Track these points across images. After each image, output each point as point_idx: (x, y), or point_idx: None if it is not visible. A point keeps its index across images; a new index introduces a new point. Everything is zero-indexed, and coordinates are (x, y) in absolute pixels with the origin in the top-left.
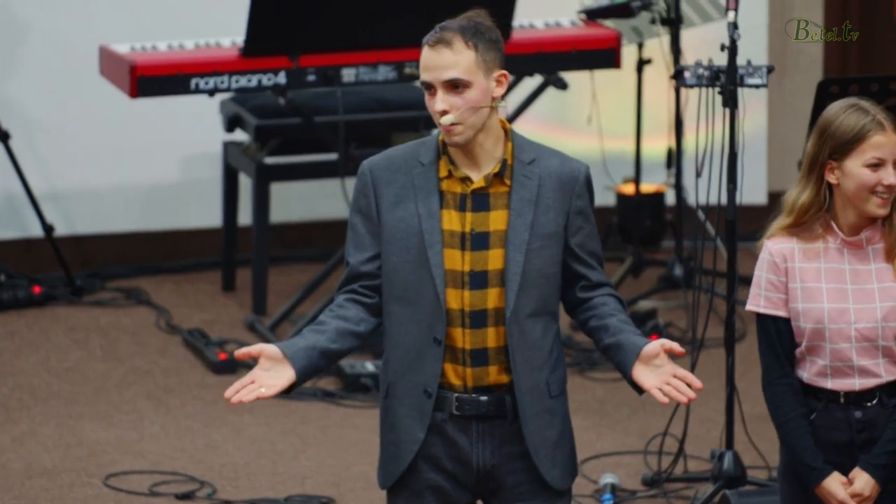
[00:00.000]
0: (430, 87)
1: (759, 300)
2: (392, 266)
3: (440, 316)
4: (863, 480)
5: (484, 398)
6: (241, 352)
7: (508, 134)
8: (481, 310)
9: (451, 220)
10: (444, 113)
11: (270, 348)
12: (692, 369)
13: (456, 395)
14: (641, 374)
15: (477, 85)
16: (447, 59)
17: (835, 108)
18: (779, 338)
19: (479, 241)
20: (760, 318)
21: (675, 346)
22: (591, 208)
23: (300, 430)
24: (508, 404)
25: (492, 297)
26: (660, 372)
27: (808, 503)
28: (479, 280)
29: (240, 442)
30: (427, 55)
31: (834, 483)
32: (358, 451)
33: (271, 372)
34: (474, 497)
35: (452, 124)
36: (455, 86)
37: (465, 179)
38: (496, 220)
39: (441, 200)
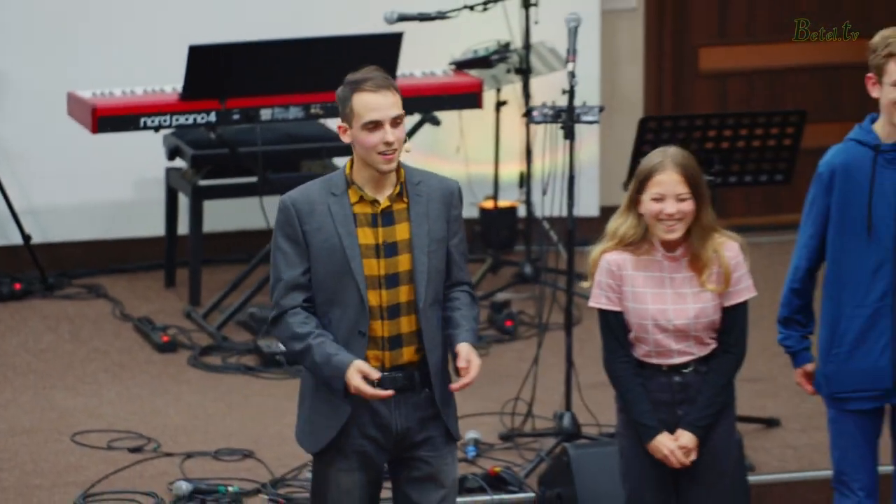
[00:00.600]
0: (377, 124)
1: (600, 299)
2: (321, 277)
3: (364, 313)
4: (686, 437)
5: (399, 375)
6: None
7: (400, 164)
8: (396, 304)
9: (366, 236)
10: (390, 144)
11: (365, 368)
12: (538, 348)
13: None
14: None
15: (403, 121)
16: (391, 99)
17: (648, 154)
18: (616, 327)
19: (390, 249)
20: (602, 312)
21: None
22: (461, 216)
23: (226, 398)
24: (417, 378)
25: (403, 293)
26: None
27: (645, 456)
28: (392, 280)
29: (179, 407)
30: (373, 98)
31: (664, 438)
32: (273, 415)
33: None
34: (390, 457)
35: (393, 152)
36: (397, 122)
37: (374, 202)
38: (401, 231)
39: (355, 221)
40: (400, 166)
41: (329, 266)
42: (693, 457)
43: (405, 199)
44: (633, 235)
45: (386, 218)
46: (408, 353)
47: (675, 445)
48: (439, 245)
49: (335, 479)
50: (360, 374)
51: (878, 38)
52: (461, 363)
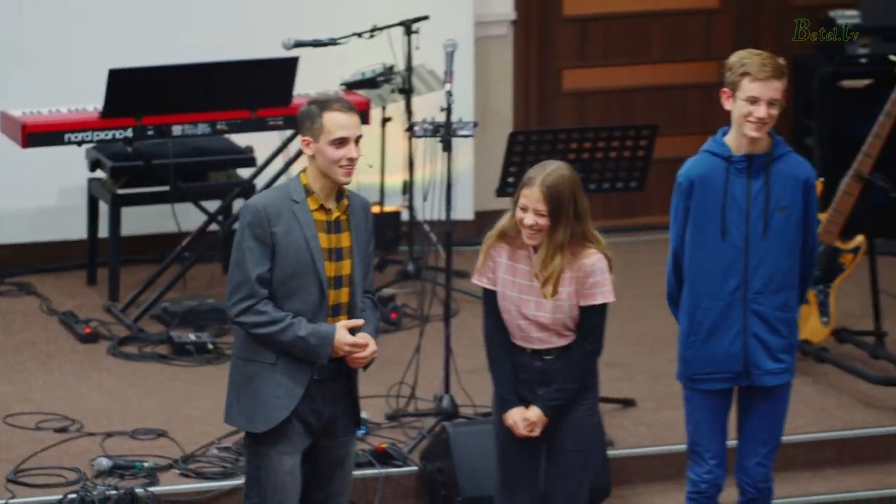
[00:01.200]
0: (344, 140)
1: (481, 279)
2: (286, 275)
3: (323, 308)
4: (534, 412)
5: (331, 365)
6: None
7: None
8: (338, 303)
9: (323, 240)
10: (353, 159)
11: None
12: (420, 337)
13: (318, 365)
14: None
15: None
16: (356, 121)
17: (540, 164)
18: (491, 304)
19: (338, 254)
20: (483, 289)
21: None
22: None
23: (142, 384)
24: (344, 368)
25: (344, 294)
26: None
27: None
28: (338, 282)
29: (100, 392)
30: (343, 117)
31: (515, 410)
32: (183, 398)
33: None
34: (315, 439)
35: (353, 167)
36: (358, 141)
37: (328, 210)
38: (345, 238)
39: (315, 226)
40: None
41: (295, 265)
42: (537, 432)
43: (347, 211)
44: (510, 230)
45: (336, 226)
46: None
47: (520, 417)
48: (365, 254)
49: (280, 461)
50: (345, 329)
51: (734, 58)
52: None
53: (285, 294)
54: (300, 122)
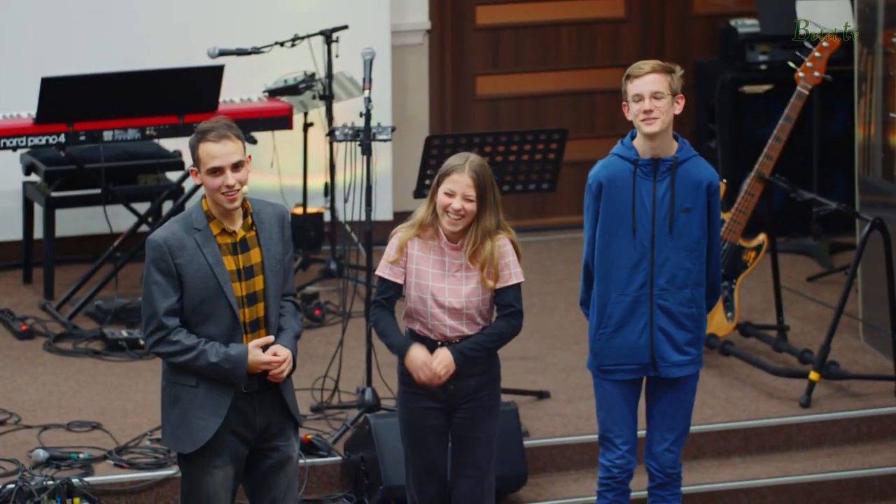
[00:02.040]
0: (219, 170)
1: (385, 270)
2: (196, 302)
3: (237, 329)
4: (443, 353)
5: (259, 378)
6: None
7: (245, 197)
8: (256, 319)
9: (230, 262)
10: (231, 186)
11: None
12: (343, 333)
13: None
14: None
15: (246, 164)
16: (230, 147)
17: (456, 154)
18: (385, 290)
19: (248, 272)
20: (383, 280)
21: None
22: (290, 238)
23: (77, 378)
24: (263, 379)
25: (260, 309)
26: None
27: (420, 418)
28: (252, 299)
29: (36, 385)
30: (214, 147)
31: (418, 350)
32: (117, 392)
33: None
34: (251, 448)
35: (235, 192)
36: (237, 167)
37: (232, 233)
38: (255, 255)
39: (220, 251)
40: (245, 199)
41: (203, 292)
42: (443, 374)
43: (253, 228)
44: (425, 219)
45: (243, 245)
46: None
47: (425, 358)
48: (279, 264)
49: (210, 475)
50: (258, 348)
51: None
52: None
53: (198, 320)
54: (190, 152)
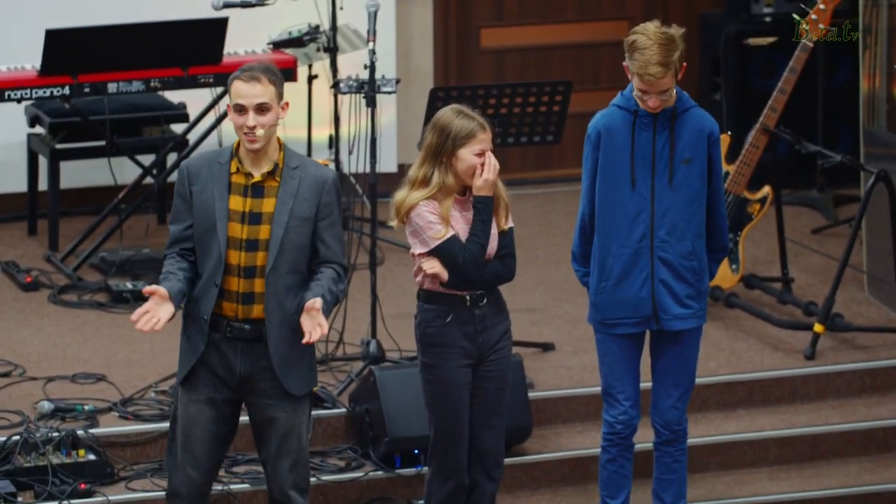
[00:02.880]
0: (242, 108)
1: (426, 245)
2: (199, 232)
3: (220, 268)
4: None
5: (247, 326)
6: (148, 289)
7: (282, 146)
8: (252, 266)
9: (236, 203)
10: (251, 127)
11: (163, 290)
12: (347, 285)
13: (228, 322)
14: (303, 319)
15: (273, 110)
16: (258, 90)
17: (448, 114)
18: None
19: (254, 218)
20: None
21: (318, 303)
22: (336, 204)
23: (82, 330)
24: (264, 332)
25: (260, 258)
26: (311, 317)
27: (446, 382)
28: (252, 245)
29: (41, 337)
30: (242, 86)
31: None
32: (121, 344)
33: (161, 307)
34: (236, 395)
35: (255, 135)
36: (262, 109)
37: (248, 175)
38: (267, 204)
39: (229, 188)
40: (282, 148)
41: (202, 223)
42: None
43: (277, 178)
44: (440, 182)
45: (256, 190)
46: (258, 310)
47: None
48: (302, 223)
49: (186, 407)
50: (157, 296)
51: (628, 42)
52: (306, 309)
53: (201, 251)
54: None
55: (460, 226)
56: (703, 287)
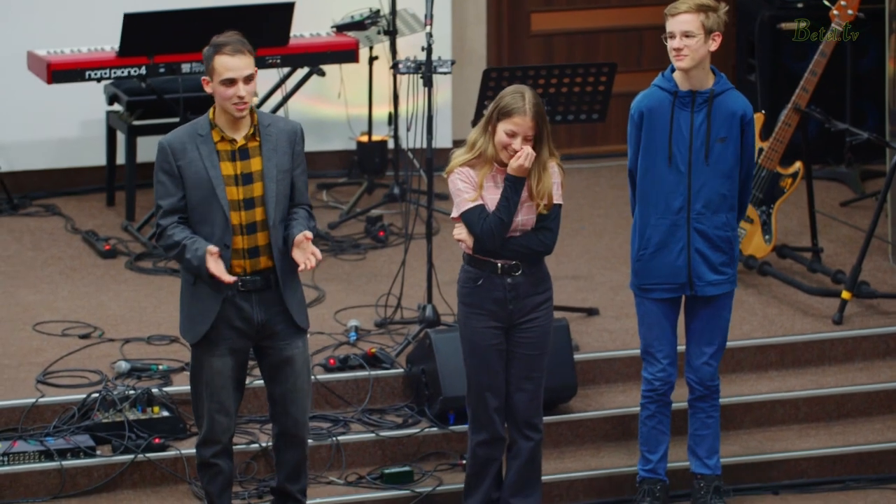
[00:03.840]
0: (232, 81)
1: (457, 210)
2: (193, 203)
3: (228, 230)
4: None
5: (257, 278)
6: (214, 249)
7: (253, 109)
8: (252, 222)
9: (227, 168)
10: (242, 97)
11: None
12: (405, 253)
13: (239, 278)
14: (295, 253)
15: (255, 77)
16: (244, 61)
17: (509, 88)
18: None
19: (246, 178)
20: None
21: (308, 234)
22: (303, 152)
23: (156, 294)
24: (272, 280)
25: (258, 213)
26: (303, 249)
27: (482, 339)
28: (249, 203)
29: (118, 301)
30: (230, 60)
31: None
32: None
33: (220, 263)
34: (253, 343)
35: (245, 103)
36: (249, 79)
37: (232, 140)
38: (255, 163)
39: (218, 157)
40: (253, 111)
41: (199, 193)
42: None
43: (257, 138)
44: (482, 149)
45: (242, 153)
46: (263, 261)
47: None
48: (285, 175)
49: (209, 363)
50: (212, 256)
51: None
52: (297, 242)
53: (197, 220)
54: (203, 63)
55: (492, 196)
56: (734, 255)
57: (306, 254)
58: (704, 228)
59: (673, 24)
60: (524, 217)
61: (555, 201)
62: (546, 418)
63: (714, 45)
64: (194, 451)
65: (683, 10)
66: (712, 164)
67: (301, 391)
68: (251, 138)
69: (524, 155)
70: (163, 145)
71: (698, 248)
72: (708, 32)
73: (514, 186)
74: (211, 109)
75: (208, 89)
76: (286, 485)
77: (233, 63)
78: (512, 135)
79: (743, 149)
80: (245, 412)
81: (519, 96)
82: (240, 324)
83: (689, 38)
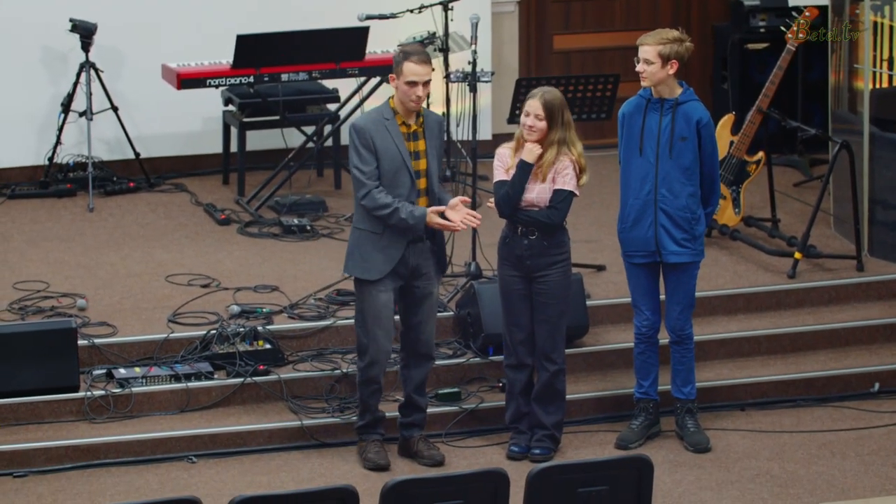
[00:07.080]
0: (414, 83)
1: (499, 175)
2: (389, 171)
3: (414, 192)
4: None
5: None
6: (463, 198)
7: None
8: (419, 189)
9: (407, 146)
10: (420, 97)
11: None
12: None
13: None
14: (449, 213)
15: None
16: (426, 70)
17: (535, 90)
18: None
19: (416, 155)
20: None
21: (466, 199)
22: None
23: (261, 253)
24: (428, 234)
25: (423, 182)
26: (458, 211)
27: (510, 289)
28: (418, 174)
29: (231, 259)
30: (417, 67)
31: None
32: (290, 264)
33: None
34: (403, 282)
35: (420, 101)
36: (426, 84)
37: (407, 125)
38: (421, 144)
39: (402, 137)
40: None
41: (391, 164)
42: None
43: (420, 126)
44: (518, 135)
45: (414, 136)
46: None
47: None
48: (437, 154)
49: (376, 297)
50: (434, 213)
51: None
52: (453, 205)
53: (389, 184)
54: (393, 64)
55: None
56: (696, 232)
57: (461, 214)
58: (668, 209)
59: (640, 52)
60: (537, 196)
61: (557, 186)
62: (566, 350)
63: (672, 70)
64: (290, 375)
65: (646, 43)
66: (675, 158)
67: (433, 319)
68: (419, 124)
69: (527, 150)
70: (360, 126)
71: (663, 223)
72: (665, 60)
73: (521, 169)
74: (390, 99)
75: (393, 84)
76: (414, 396)
77: (418, 70)
78: (526, 114)
79: (701, 149)
80: (329, 345)
81: (539, 89)
82: (399, 267)
83: (648, 64)
